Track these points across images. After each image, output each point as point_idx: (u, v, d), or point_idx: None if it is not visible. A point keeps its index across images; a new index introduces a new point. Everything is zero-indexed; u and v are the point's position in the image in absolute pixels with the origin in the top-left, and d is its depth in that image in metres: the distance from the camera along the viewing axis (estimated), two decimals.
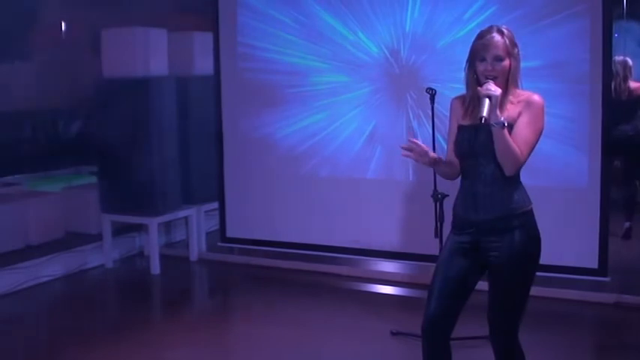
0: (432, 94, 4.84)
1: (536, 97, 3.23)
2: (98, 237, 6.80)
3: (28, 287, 6.08)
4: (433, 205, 4.76)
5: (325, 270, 6.39)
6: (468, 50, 3.33)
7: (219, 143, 6.88)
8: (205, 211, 7.19)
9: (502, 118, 3.04)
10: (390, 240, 6.19)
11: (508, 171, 3.12)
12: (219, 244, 7.06)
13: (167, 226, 7.39)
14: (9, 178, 7.79)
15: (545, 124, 3.22)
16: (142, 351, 4.76)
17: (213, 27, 6.83)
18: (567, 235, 5.63)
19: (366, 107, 6.22)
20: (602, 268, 5.54)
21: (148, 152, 6.47)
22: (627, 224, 6.97)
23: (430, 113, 4.90)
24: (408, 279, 6.13)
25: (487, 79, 3.16)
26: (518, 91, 3.26)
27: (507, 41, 3.22)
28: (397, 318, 5.21)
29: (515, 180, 3.19)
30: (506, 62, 3.21)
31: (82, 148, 8.06)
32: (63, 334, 5.07)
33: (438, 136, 5.43)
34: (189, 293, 6.47)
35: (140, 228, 7.04)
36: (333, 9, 6.24)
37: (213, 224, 7.38)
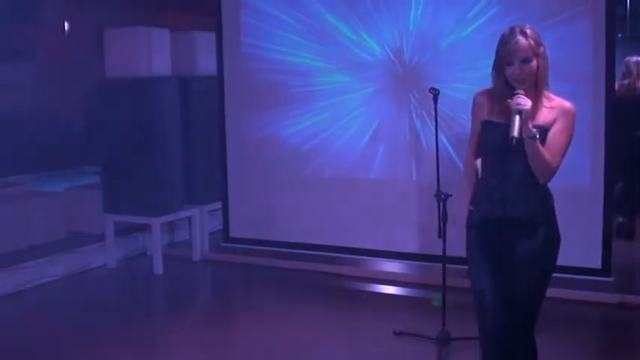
0: (435, 94, 4.83)
1: (570, 105, 3.23)
2: (101, 237, 6.80)
3: (32, 287, 6.09)
4: (436, 205, 4.75)
5: (328, 270, 6.38)
6: (494, 54, 3.37)
7: (222, 143, 6.88)
8: (208, 211, 7.18)
9: (534, 130, 3.05)
10: (393, 240, 6.19)
11: (541, 179, 3.21)
12: (223, 244, 7.06)
13: (170, 226, 7.39)
14: (12, 178, 7.79)
15: (573, 134, 3.24)
16: (144, 351, 4.76)
17: (216, 27, 6.83)
18: (570, 235, 5.60)
19: (370, 107, 6.21)
20: (606, 269, 5.54)
21: (151, 152, 6.47)
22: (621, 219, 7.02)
23: (433, 113, 4.88)
24: (412, 279, 6.13)
25: (515, 81, 3.17)
26: (551, 95, 3.26)
27: (532, 42, 3.18)
28: (400, 318, 5.21)
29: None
30: (534, 63, 3.17)
31: (85, 147, 8.07)
32: (65, 335, 5.08)
33: (442, 136, 5.43)
34: (192, 293, 6.46)
35: (143, 228, 7.04)
36: (336, 9, 6.24)
37: (217, 224, 7.39)
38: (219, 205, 7.06)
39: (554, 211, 3.32)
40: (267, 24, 6.52)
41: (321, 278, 6.27)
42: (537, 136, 3.05)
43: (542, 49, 3.20)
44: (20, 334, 5.15)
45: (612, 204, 5.54)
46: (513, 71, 3.18)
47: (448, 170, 5.55)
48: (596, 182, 5.50)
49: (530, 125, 3.04)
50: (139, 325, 5.23)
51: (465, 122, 5.83)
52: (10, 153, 7.72)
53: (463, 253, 5.76)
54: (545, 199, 3.31)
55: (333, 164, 6.40)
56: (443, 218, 4.67)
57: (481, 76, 5.66)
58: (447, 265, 4.81)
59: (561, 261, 5.61)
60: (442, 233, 4.69)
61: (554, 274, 5.61)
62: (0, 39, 7.87)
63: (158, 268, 6.55)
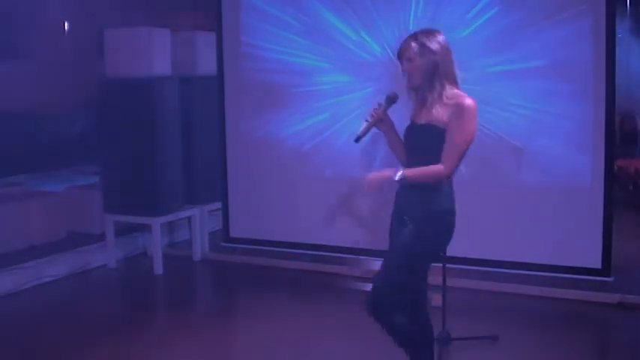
0: None
1: (465, 101, 3.39)
2: (101, 237, 6.80)
3: (31, 287, 6.09)
4: None
5: (328, 270, 6.39)
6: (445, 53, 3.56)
7: (222, 143, 6.88)
8: (208, 211, 7.18)
9: (398, 174, 3.41)
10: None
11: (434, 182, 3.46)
12: (223, 244, 7.06)
13: (170, 226, 7.39)
14: (12, 178, 7.80)
15: (472, 130, 3.39)
16: (144, 351, 4.76)
17: (216, 27, 6.83)
18: (570, 235, 5.62)
19: (370, 107, 6.19)
20: (606, 269, 5.54)
21: (151, 152, 6.47)
22: None
23: None
24: None
25: (405, 78, 3.63)
26: (454, 92, 3.44)
27: (417, 44, 3.50)
28: None
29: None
30: (417, 62, 3.49)
31: (85, 147, 8.07)
32: (65, 335, 5.08)
33: None
34: (192, 293, 6.47)
35: (143, 228, 7.04)
36: (336, 9, 6.23)
37: (217, 224, 7.39)
38: (219, 205, 7.06)
39: (435, 212, 3.52)
40: (268, 24, 6.52)
41: (320, 278, 6.27)
42: (404, 177, 3.40)
43: (432, 50, 3.46)
44: (20, 334, 5.15)
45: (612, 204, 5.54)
46: (401, 68, 3.60)
47: None
48: (597, 182, 5.50)
49: (393, 172, 3.42)
50: (139, 325, 5.23)
51: None
52: (10, 153, 7.73)
53: (463, 253, 5.80)
54: (424, 200, 3.50)
55: (334, 164, 6.39)
56: None
57: (481, 76, 5.71)
58: (447, 265, 4.80)
59: (561, 261, 5.67)
60: None
61: (557, 275, 5.68)
62: (0, 38, 7.88)
63: (158, 268, 6.55)
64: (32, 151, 8.17)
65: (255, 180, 6.75)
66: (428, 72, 3.47)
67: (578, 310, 5.42)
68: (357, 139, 3.69)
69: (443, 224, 3.55)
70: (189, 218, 7.09)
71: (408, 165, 3.56)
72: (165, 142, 6.58)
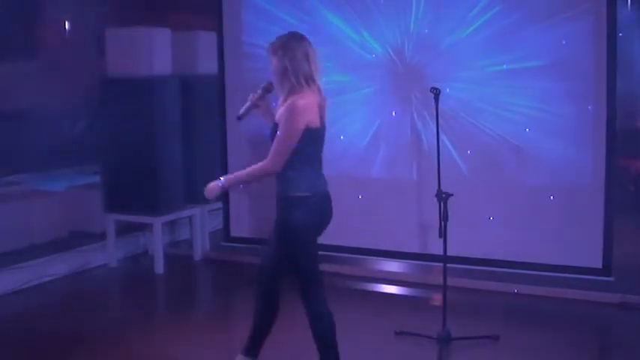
0: (437, 93, 4.81)
1: (288, 103, 3.71)
2: (102, 236, 6.80)
3: (32, 286, 6.09)
4: (437, 204, 4.74)
5: (328, 269, 6.37)
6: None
7: (222, 142, 6.88)
8: (209, 211, 7.18)
9: (220, 182, 4.00)
10: (394, 239, 6.18)
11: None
12: (223, 243, 7.06)
13: (171, 226, 7.39)
14: (12, 178, 7.79)
15: (295, 127, 3.68)
16: (145, 350, 4.76)
17: (217, 26, 6.83)
18: (571, 235, 5.62)
19: (371, 106, 6.21)
20: (607, 268, 5.54)
21: (152, 151, 6.46)
22: None
23: (434, 113, 4.87)
24: (412, 278, 6.13)
25: None
26: (294, 96, 3.72)
27: (271, 47, 3.82)
28: (401, 318, 5.21)
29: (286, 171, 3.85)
30: (273, 65, 3.82)
31: (86, 147, 8.06)
32: (66, 334, 5.08)
33: (443, 136, 5.43)
34: (193, 292, 6.47)
35: (144, 227, 7.04)
36: (337, 8, 6.23)
37: (217, 223, 7.38)
38: (219, 204, 7.06)
39: (292, 198, 3.96)
40: (269, 23, 6.50)
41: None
42: (226, 181, 4.02)
43: (278, 53, 3.76)
44: (20, 333, 5.15)
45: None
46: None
47: (449, 170, 5.55)
48: (597, 182, 5.50)
49: (217, 181, 3.99)
50: (139, 324, 5.23)
51: (465, 122, 5.85)
52: (11, 152, 7.72)
53: (464, 253, 5.80)
54: (284, 189, 3.96)
55: (334, 163, 6.37)
56: (444, 218, 4.66)
57: (482, 76, 5.71)
58: (448, 265, 4.80)
59: (562, 260, 5.67)
60: (443, 233, 4.69)
61: (558, 274, 5.69)
62: (1, 38, 7.88)
63: (159, 267, 6.55)
64: (33, 151, 8.17)
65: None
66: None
67: (579, 309, 5.43)
68: (238, 118, 4.21)
69: (305, 208, 3.97)
70: (190, 218, 7.09)
71: None
72: (166, 142, 6.58)
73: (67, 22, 8.41)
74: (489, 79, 5.72)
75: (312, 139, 3.79)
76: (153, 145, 6.46)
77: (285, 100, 3.76)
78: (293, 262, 3.98)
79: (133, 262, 6.98)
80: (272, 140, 3.79)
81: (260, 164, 3.85)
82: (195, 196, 6.98)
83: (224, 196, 6.91)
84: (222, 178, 3.97)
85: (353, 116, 6.26)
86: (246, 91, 6.70)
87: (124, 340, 4.92)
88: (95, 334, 5.07)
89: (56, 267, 6.39)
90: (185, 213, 6.94)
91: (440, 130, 4.91)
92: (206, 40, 7.15)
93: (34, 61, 8.24)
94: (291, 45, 3.74)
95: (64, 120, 8.62)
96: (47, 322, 5.38)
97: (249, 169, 3.92)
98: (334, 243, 6.38)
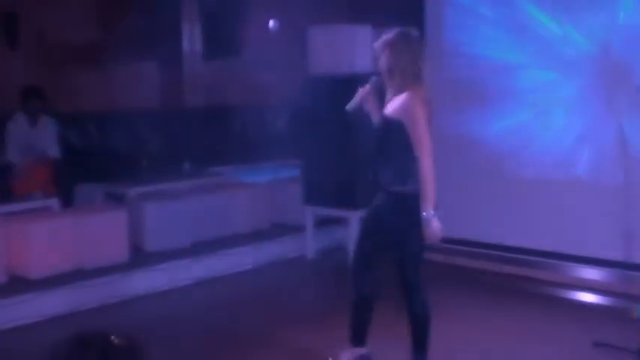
0: None
1: (405, 96, 3.82)
2: (301, 228, 7.01)
3: (233, 273, 6.46)
4: None
5: (521, 273, 6.20)
6: None
7: None
8: None
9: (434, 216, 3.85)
10: (595, 245, 5.86)
11: None
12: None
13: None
14: (219, 169, 8.22)
15: (421, 115, 3.85)
16: (335, 344, 4.82)
17: (418, 23, 6.79)
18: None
19: (574, 106, 5.93)
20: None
21: (352, 148, 6.54)
22: None
23: None
24: (613, 288, 5.77)
25: None
26: (411, 90, 3.85)
27: (381, 42, 3.97)
28: (599, 328, 4.94)
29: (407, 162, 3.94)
30: (382, 60, 3.98)
31: (288, 141, 8.32)
32: (259, 320, 5.35)
33: None
34: (386, 288, 6.48)
35: (341, 220, 7.15)
36: (540, 2, 6.00)
37: None
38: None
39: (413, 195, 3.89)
40: (470, 19, 6.41)
41: (514, 281, 6.12)
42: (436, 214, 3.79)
43: (393, 48, 3.88)
44: (223, 317, 5.46)
45: None
46: None
47: None
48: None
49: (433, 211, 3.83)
50: (329, 317, 5.31)
51: None
52: (219, 145, 8.14)
53: None
54: (403, 182, 4.01)
55: (534, 165, 6.17)
56: None
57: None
58: None
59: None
60: None
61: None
62: (213, 37, 8.31)
63: None
64: (239, 144, 8.56)
65: (448, 178, 6.65)
66: None
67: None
68: (348, 110, 4.27)
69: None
70: None
71: None
72: (366, 138, 6.63)
73: (271, 21, 8.72)
74: None
75: None
76: (352, 141, 6.54)
77: (394, 96, 3.86)
78: (411, 259, 4.02)
79: (330, 254, 7.11)
80: (381, 133, 3.94)
81: (424, 166, 3.85)
82: None
83: None
84: (431, 211, 3.83)
85: (554, 116, 6.01)
86: (444, 88, 6.76)
87: (314, 330, 5.06)
88: (287, 321, 5.29)
89: (256, 256, 6.68)
90: None
91: None
92: None
93: (241, 59, 8.63)
94: (401, 43, 3.84)
95: (268, 115, 8.96)
96: (244, 308, 5.64)
97: (425, 184, 3.87)
98: (530, 246, 6.18)
